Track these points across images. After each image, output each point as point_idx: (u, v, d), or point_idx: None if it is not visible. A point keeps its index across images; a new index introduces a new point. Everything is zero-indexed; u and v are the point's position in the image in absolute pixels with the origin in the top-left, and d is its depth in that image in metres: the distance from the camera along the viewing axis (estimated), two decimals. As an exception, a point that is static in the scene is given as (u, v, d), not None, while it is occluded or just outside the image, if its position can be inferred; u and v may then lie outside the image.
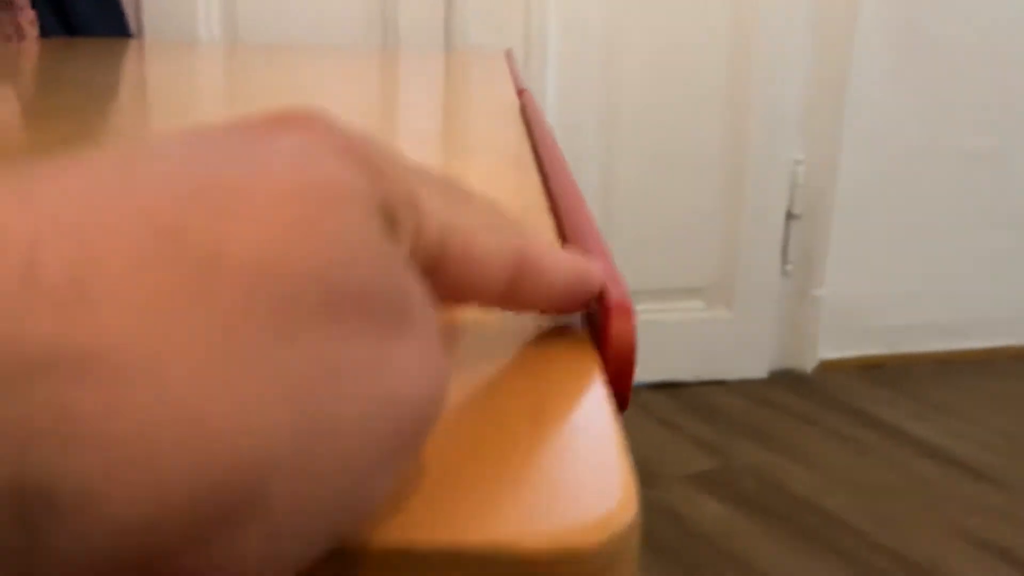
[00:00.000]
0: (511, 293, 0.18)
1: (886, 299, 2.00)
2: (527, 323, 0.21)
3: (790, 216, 1.89)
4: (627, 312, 0.20)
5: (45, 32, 1.36)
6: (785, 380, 1.94)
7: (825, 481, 1.54)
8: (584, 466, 0.14)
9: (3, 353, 0.09)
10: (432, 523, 0.13)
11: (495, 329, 0.21)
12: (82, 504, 0.09)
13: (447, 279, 0.16)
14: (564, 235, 0.29)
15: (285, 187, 0.12)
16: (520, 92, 0.74)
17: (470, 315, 0.21)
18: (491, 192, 0.35)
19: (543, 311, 0.20)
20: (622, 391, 0.19)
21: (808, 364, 1.98)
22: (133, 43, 1.40)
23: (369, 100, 0.70)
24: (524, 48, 1.67)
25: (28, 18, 1.35)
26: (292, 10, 1.60)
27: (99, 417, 0.09)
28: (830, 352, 2.00)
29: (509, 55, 1.14)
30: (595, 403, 0.17)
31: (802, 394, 1.88)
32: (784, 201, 1.87)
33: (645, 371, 1.90)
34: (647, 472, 1.56)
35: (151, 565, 0.10)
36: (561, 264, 0.19)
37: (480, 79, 0.87)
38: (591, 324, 0.21)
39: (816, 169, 1.87)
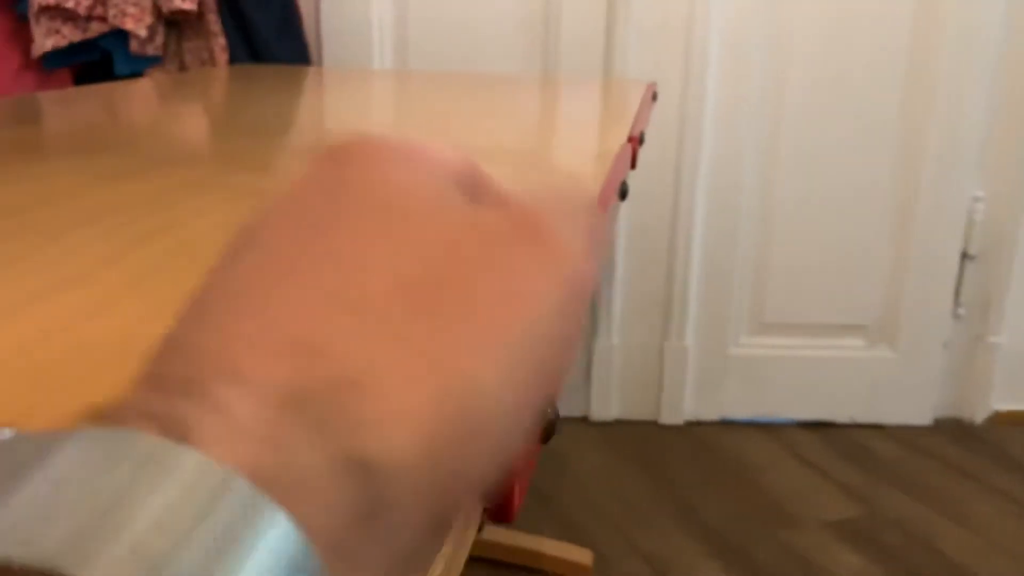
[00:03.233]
0: None
1: (1074, 351, 1.84)
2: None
3: (965, 256, 1.77)
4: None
5: (234, 58, 1.49)
6: (951, 430, 1.83)
7: (980, 543, 1.44)
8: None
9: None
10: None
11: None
12: None
13: None
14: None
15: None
16: (631, 140, 0.75)
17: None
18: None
19: None
20: (503, 508, 0.21)
21: (979, 415, 1.85)
22: (312, 69, 1.51)
23: (474, 127, 0.73)
24: (683, 75, 1.66)
25: (220, 45, 1.49)
26: (459, 39, 1.67)
27: None
28: (1006, 403, 1.86)
29: (650, 89, 1.15)
30: None
31: (968, 446, 1.76)
32: (959, 240, 1.76)
33: (797, 408, 1.84)
34: (785, 514, 1.51)
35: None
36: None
37: (599, 117, 0.89)
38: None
39: (997, 207, 1.74)
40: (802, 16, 1.65)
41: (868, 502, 1.56)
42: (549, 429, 0.26)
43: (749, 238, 1.78)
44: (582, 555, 1.33)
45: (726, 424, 1.84)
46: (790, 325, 1.82)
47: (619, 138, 0.73)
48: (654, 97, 1.18)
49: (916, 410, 1.85)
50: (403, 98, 1.17)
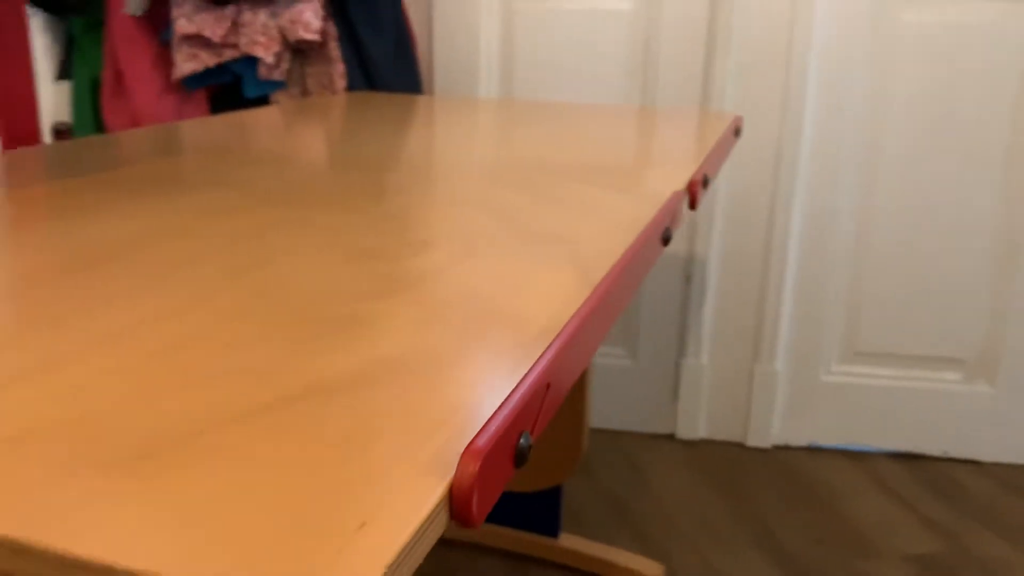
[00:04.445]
0: None
1: None
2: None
3: (1073, 293, 1.73)
4: (475, 456, 0.29)
5: (351, 84, 1.61)
6: (1051, 470, 1.78)
7: (1066, 589, 1.41)
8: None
9: None
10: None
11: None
12: None
13: None
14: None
15: None
16: (692, 184, 0.80)
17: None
18: (526, 286, 0.44)
19: None
20: (463, 517, 0.28)
21: (1083, 456, 1.80)
22: (423, 98, 1.61)
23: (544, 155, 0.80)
24: (781, 104, 1.69)
25: (339, 72, 1.61)
26: (562, 70, 1.75)
27: None
28: (1113, 446, 1.79)
29: (733, 124, 1.19)
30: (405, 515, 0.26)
31: (1068, 488, 1.71)
32: (1066, 276, 1.72)
33: (888, 439, 1.83)
34: (864, 543, 1.52)
35: None
36: None
37: (669, 158, 0.94)
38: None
39: (1109, 245, 1.69)
40: (904, 47, 1.65)
41: (953, 538, 1.54)
42: (522, 456, 0.34)
43: (844, 265, 1.78)
44: (653, 568, 1.37)
45: (814, 450, 1.85)
46: (884, 355, 1.82)
47: (678, 183, 0.79)
48: (737, 132, 1.22)
49: (1015, 448, 1.81)
50: (489, 127, 1.25)
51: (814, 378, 1.84)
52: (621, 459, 1.80)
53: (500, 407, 0.33)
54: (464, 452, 0.29)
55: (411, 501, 0.28)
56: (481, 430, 0.31)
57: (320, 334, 0.41)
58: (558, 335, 0.40)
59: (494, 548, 1.46)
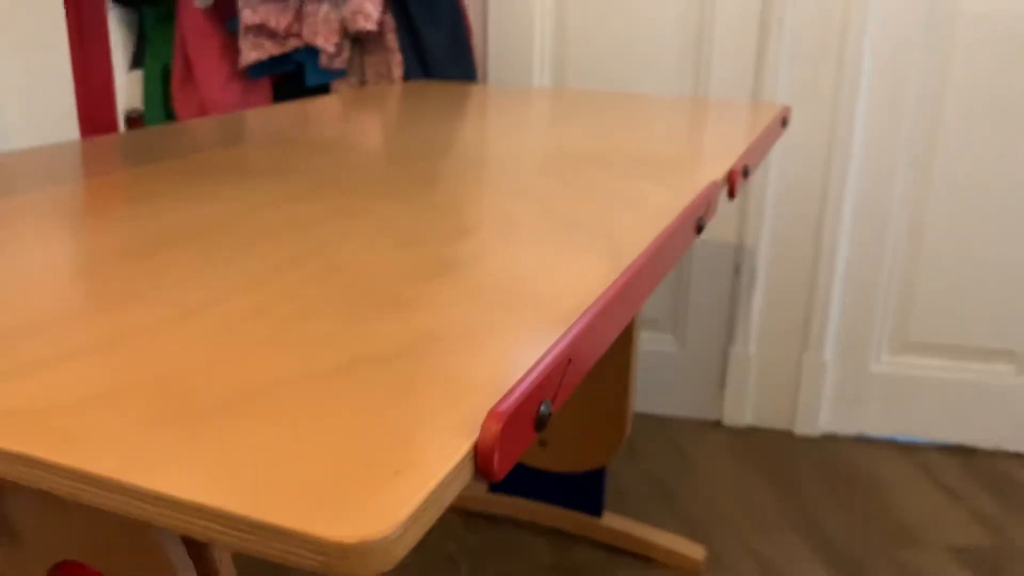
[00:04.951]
0: None
1: None
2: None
3: None
4: (497, 419, 0.33)
5: (408, 73, 1.66)
6: (1107, 466, 1.76)
7: (1114, 584, 1.40)
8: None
9: None
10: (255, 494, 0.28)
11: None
12: None
13: None
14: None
15: None
16: (731, 174, 0.83)
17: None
18: (549, 268, 0.48)
19: None
20: (486, 471, 0.32)
21: None
22: (477, 87, 1.65)
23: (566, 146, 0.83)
24: (834, 92, 1.69)
25: (396, 61, 1.65)
26: (614, 59, 1.77)
27: None
28: None
29: (780, 115, 1.21)
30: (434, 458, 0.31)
31: (1123, 485, 1.69)
32: None
33: (939, 431, 1.82)
34: (908, 534, 1.53)
35: None
36: None
37: (708, 149, 0.96)
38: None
39: None
40: (961, 36, 1.64)
41: (1001, 532, 1.54)
42: (542, 421, 0.37)
43: (895, 255, 1.78)
44: (694, 550, 1.40)
45: (863, 440, 1.85)
46: (936, 346, 1.81)
47: (717, 174, 0.82)
48: (784, 123, 1.23)
49: (1069, 443, 1.79)
50: (539, 117, 1.28)
51: (863, 368, 1.84)
52: (667, 444, 1.83)
53: (523, 377, 0.36)
54: (488, 415, 0.33)
55: (440, 455, 0.32)
56: (504, 396, 0.35)
57: (369, 311, 0.45)
58: (582, 315, 0.43)
59: (539, 525, 1.50)
